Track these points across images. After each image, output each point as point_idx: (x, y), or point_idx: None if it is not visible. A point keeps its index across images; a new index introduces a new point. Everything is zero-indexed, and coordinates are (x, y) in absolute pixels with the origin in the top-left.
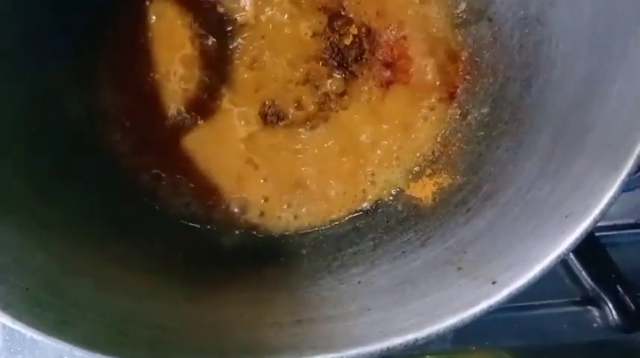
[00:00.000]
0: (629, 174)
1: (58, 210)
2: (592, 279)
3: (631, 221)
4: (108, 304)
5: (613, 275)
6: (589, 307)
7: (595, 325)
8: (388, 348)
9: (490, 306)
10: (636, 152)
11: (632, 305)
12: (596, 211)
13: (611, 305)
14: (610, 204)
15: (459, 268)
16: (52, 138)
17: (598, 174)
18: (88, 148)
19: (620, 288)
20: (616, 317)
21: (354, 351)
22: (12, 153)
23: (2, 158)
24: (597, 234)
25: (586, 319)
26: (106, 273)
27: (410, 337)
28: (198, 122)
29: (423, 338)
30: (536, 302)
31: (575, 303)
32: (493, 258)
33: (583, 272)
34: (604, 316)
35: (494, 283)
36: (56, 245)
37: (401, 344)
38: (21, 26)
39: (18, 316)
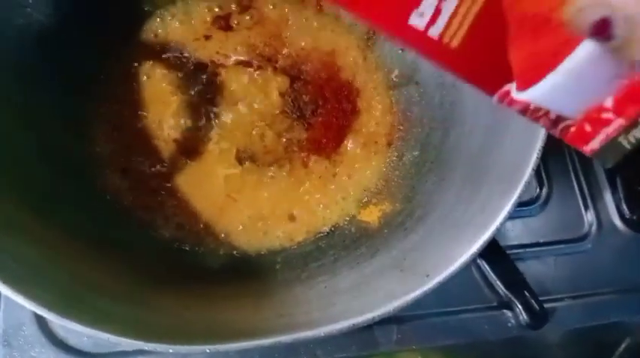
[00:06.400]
0: (517, 200)
1: (70, 237)
2: (505, 287)
3: (533, 241)
4: (124, 311)
5: (521, 284)
6: (504, 310)
7: (509, 324)
8: (354, 325)
9: (424, 291)
10: (521, 184)
11: (537, 307)
12: (496, 224)
13: (520, 308)
14: (505, 220)
15: (401, 270)
16: (59, 180)
17: (496, 199)
18: (92, 188)
19: (526, 293)
20: (525, 317)
21: (327, 328)
22: (28, 192)
23: (21, 195)
24: (508, 251)
25: (502, 320)
26: (116, 288)
27: (369, 316)
28: (188, 162)
29: (379, 315)
30: (462, 308)
31: (492, 308)
32: (425, 260)
33: (497, 282)
34: (516, 317)
35: (427, 276)
36: (73, 266)
37: (363, 322)
38: (22, 82)
39: (60, 313)
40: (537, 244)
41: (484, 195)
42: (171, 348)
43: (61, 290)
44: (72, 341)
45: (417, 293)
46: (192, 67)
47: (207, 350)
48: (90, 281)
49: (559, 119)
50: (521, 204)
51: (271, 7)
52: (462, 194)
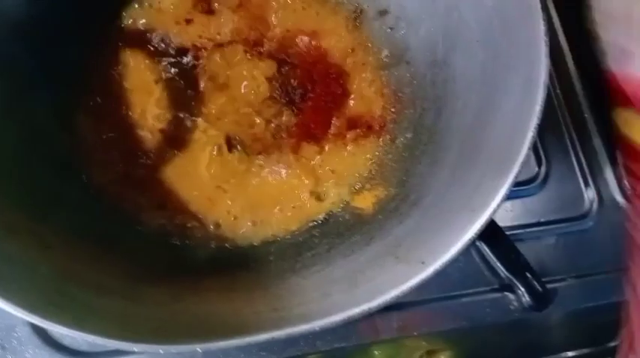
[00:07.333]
0: (514, 180)
1: (53, 232)
2: (506, 269)
3: (533, 221)
4: (111, 306)
5: (522, 265)
6: (505, 293)
7: (512, 307)
8: (349, 317)
9: (422, 280)
10: (517, 164)
11: (539, 289)
12: (492, 206)
13: (523, 290)
14: (501, 202)
15: (396, 257)
16: (44, 173)
17: (492, 180)
18: (77, 181)
19: (528, 275)
20: (528, 299)
21: (322, 322)
22: (12, 186)
23: (5, 189)
24: (508, 232)
25: (504, 303)
26: (103, 282)
27: (365, 307)
28: (175, 153)
29: (375, 307)
30: (463, 292)
31: (494, 290)
32: (421, 247)
33: (498, 264)
34: (518, 299)
35: (423, 263)
36: (58, 260)
37: (359, 314)
38: (3, 79)
39: (42, 315)
40: (538, 224)
41: (478, 176)
42: (161, 349)
43: (41, 287)
44: (66, 340)
45: (414, 281)
46: (174, 53)
47: (199, 350)
48: (74, 277)
49: None
50: (520, 184)
51: None
52: (456, 175)
